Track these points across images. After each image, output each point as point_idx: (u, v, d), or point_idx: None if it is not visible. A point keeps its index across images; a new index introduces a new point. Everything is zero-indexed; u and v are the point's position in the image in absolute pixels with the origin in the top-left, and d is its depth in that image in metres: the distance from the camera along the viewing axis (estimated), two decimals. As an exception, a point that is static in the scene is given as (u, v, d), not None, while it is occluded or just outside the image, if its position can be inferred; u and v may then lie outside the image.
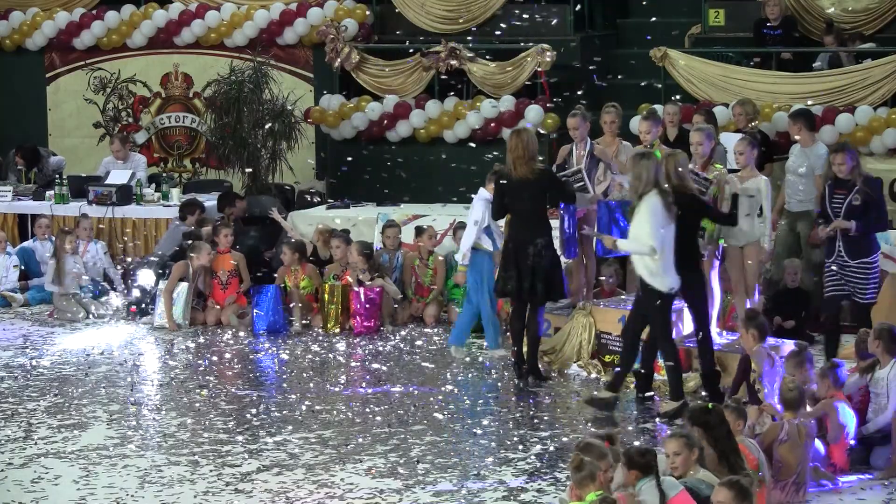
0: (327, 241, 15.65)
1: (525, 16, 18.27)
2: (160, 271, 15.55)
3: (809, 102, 16.09)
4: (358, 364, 13.77)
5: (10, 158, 18.71)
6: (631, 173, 11.81)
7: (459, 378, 13.03)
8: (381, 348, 14.27)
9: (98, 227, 17.01)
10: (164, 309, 15.13)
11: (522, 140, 12.66)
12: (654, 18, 18.12)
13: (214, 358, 14.01)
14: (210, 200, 17.19)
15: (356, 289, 14.85)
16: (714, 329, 12.37)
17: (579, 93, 16.75)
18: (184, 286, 15.21)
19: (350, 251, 15.14)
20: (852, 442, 10.36)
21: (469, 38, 18.22)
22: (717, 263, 12.71)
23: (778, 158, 15.43)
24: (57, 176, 17.82)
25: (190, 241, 15.64)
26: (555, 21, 18.34)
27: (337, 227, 16.08)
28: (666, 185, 11.65)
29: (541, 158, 12.90)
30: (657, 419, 11.71)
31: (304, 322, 15.03)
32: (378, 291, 14.91)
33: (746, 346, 11.41)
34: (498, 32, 18.29)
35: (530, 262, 12.58)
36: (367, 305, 14.79)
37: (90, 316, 15.66)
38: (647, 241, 11.55)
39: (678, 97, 16.38)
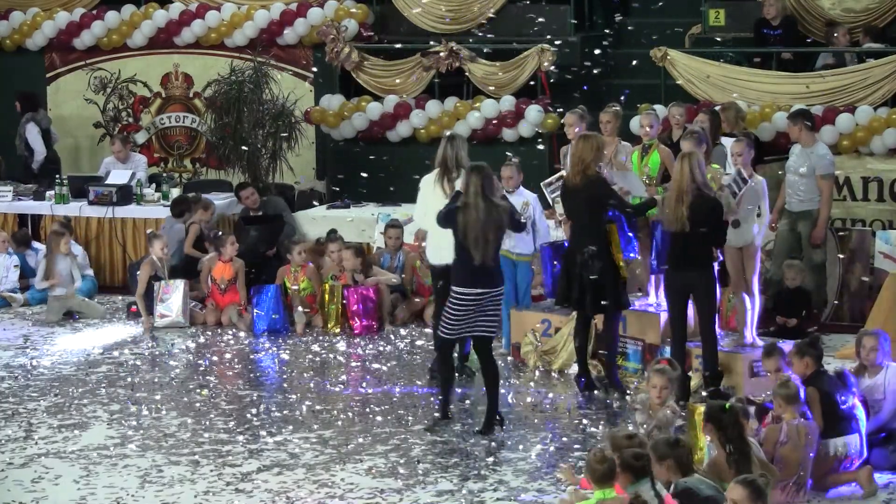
0: (318, 255, 15.65)
1: (525, 16, 18.26)
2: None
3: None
4: (358, 364, 13.77)
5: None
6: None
7: (459, 378, 13.01)
8: (381, 348, 14.26)
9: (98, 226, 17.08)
10: (172, 306, 15.14)
11: (577, 147, 12.39)
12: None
13: (214, 358, 14.01)
14: (214, 200, 17.21)
15: (351, 287, 14.85)
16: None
17: (577, 94, 16.74)
18: (179, 283, 15.19)
19: (344, 256, 15.13)
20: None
21: (468, 37, 18.24)
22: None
23: (770, 160, 15.41)
24: (57, 176, 17.77)
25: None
26: (555, 21, 18.33)
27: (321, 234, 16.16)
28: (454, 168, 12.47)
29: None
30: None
31: (304, 324, 15.02)
32: (374, 290, 14.89)
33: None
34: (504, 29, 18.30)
35: (577, 271, 12.30)
36: (364, 305, 14.79)
37: (77, 316, 15.62)
38: (417, 217, 12.95)
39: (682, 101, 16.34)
